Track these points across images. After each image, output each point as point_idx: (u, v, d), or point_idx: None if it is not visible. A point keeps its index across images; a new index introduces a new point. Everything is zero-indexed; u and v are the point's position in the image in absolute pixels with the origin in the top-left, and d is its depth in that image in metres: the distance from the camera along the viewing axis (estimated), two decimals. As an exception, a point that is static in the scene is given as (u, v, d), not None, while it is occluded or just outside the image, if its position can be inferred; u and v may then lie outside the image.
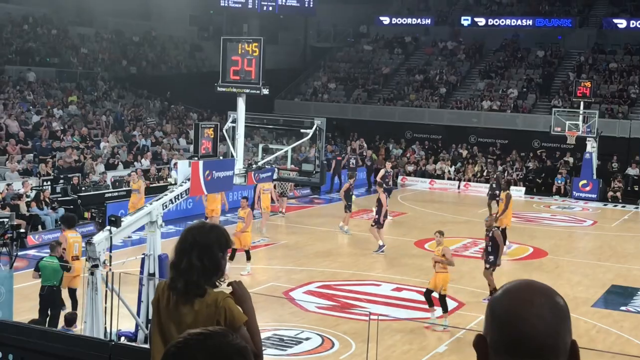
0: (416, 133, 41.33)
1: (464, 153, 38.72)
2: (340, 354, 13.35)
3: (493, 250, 16.65)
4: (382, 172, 27.22)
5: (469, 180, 35.94)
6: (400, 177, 36.53)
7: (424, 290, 15.17)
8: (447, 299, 14.93)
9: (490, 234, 16.77)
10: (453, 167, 37.29)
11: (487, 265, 16.71)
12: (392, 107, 42.72)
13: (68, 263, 13.63)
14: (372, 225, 21.57)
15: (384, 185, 26.49)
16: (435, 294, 14.81)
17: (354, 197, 24.86)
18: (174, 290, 3.26)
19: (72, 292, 14.37)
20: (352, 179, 24.63)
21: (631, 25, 44.57)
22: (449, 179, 36.78)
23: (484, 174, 35.87)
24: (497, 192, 25.78)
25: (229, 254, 3.45)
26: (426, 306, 15.39)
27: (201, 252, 3.22)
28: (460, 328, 14.36)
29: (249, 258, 18.26)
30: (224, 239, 3.34)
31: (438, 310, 14.93)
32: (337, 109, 42.46)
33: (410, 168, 37.57)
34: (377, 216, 21.45)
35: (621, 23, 45.21)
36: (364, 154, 38.22)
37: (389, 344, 13.59)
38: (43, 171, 25.34)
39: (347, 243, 22.95)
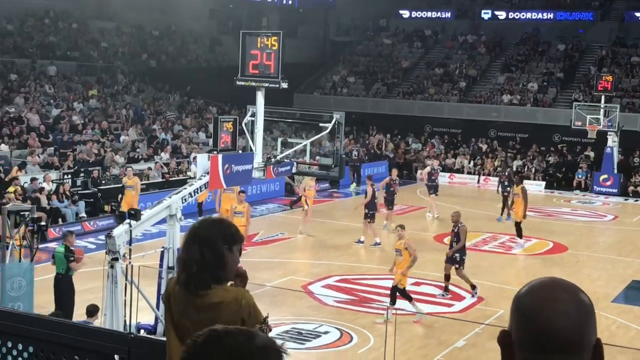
0: (435, 127, 41.21)
1: (484, 147, 38.56)
2: (358, 348, 13.35)
3: (458, 246, 16.35)
4: (427, 169, 26.95)
5: (489, 175, 35.77)
6: (419, 172, 36.47)
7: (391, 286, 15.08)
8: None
9: (456, 230, 16.53)
10: (472, 161, 37.14)
11: (457, 266, 16.30)
12: (411, 101, 42.60)
13: (73, 253, 13.75)
14: (365, 219, 21.49)
15: (429, 182, 26.20)
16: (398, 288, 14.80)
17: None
18: (178, 283, 3.22)
19: None
20: (394, 174, 24.43)
21: (654, 19, 44.14)
22: (469, 173, 36.64)
23: (504, 168, 35.74)
24: (509, 188, 25.67)
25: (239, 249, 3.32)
26: (445, 300, 15.35)
27: (202, 245, 3.14)
28: (480, 323, 14.31)
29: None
30: (230, 233, 3.22)
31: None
32: (356, 103, 42.40)
33: (429, 162, 37.42)
34: (366, 210, 21.43)
35: (643, 16, 44.78)
36: (383, 147, 38.14)
37: (407, 338, 13.58)
38: (50, 162, 25.39)
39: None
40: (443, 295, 16.43)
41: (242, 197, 18.70)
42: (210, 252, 3.14)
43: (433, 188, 26.26)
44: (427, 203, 26.55)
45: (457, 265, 16.31)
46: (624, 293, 17.78)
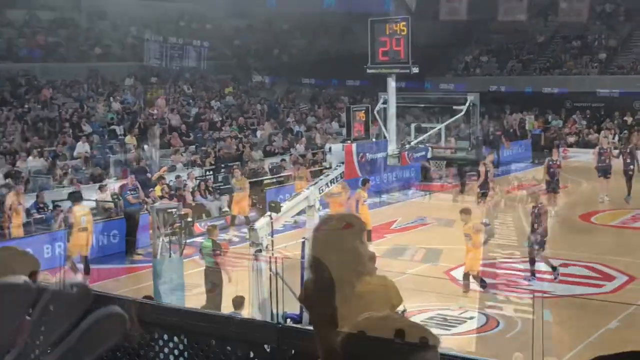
0: (576, 102, 39.65)
1: (629, 120, 36.76)
2: (505, 333, 13.08)
3: (540, 228, 15.54)
4: (596, 149, 25.25)
5: (636, 149, 34.05)
6: (561, 149, 35.23)
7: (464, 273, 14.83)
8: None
9: (536, 210, 15.69)
10: (617, 136, 35.50)
11: (537, 247, 15.47)
12: (548, 76, 41.20)
13: (220, 247, 14.17)
14: (478, 198, 21.10)
15: (599, 163, 23.78)
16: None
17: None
18: (319, 290, 3.04)
19: (84, 260, 16.11)
20: (554, 154, 23.29)
21: None
22: (615, 148, 35.00)
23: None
24: (632, 166, 23.96)
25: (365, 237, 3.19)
26: (595, 281, 14.73)
27: (338, 249, 2.98)
28: (632, 304, 13.69)
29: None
30: (356, 226, 3.08)
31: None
32: (490, 82, 41.41)
33: (571, 139, 36.13)
34: (479, 190, 21.36)
35: None
36: (525, 126, 37.09)
37: (556, 322, 13.15)
38: (193, 160, 26.18)
39: (505, 219, 22.37)
40: (530, 281, 15.68)
41: (368, 186, 18.81)
42: (348, 254, 2.98)
43: (603, 170, 23.86)
44: (602, 186, 24.25)
45: (537, 247, 15.56)
46: None
